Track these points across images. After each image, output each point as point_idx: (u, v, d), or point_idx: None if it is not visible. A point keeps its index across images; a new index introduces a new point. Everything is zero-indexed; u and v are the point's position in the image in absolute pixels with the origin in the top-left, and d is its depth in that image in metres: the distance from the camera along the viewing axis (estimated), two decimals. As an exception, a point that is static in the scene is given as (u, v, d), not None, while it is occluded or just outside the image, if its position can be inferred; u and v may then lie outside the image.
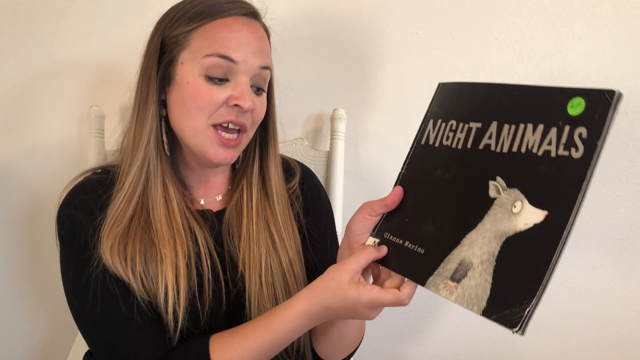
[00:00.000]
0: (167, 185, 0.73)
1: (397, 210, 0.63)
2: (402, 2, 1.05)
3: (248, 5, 0.74)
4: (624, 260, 1.10)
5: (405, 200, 0.63)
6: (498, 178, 0.54)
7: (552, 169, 0.49)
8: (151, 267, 0.68)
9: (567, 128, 0.49)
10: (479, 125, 0.58)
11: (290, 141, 1.06)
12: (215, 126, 0.71)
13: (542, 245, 0.47)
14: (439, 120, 0.63)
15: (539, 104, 0.53)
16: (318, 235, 0.82)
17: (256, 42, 0.71)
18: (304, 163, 1.04)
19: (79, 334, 1.06)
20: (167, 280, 0.67)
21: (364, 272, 0.64)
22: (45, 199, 1.11)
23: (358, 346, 0.80)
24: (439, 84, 0.65)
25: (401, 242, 0.61)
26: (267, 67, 0.73)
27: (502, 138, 0.55)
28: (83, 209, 0.70)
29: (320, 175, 1.06)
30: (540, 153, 0.51)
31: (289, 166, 0.86)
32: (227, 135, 0.71)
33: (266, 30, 0.77)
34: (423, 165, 0.63)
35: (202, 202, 0.79)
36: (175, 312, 0.67)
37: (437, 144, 0.62)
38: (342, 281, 0.60)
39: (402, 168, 0.65)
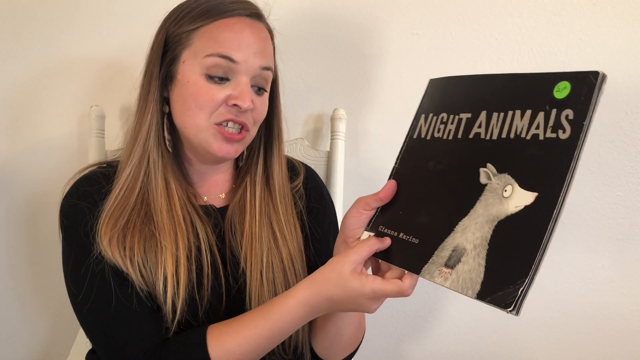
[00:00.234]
0: (168, 181, 0.74)
1: (391, 204, 0.64)
2: (402, 2, 1.05)
3: (252, 6, 0.75)
4: (624, 260, 1.10)
5: (399, 193, 0.64)
6: (488, 164, 0.55)
7: (540, 151, 0.51)
8: (150, 258, 0.68)
9: (554, 111, 0.51)
10: (468, 115, 0.59)
11: (290, 141, 1.06)
12: (217, 124, 0.72)
13: (533, 225, 0.49)
14: (430, 114, 0.64)
15: (527, 90, 0.54)
16: (321, 235, 0.82)
17: (258, 43, 0.72)
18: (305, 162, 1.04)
19: (79, 334, 1.07)
20: (166, 270, 0.68)
21: (364, 265, 0.64)
22: (45, 199, 1.11)
23: (357, 348, 0.80)
24: (430, 80, 0.67)
25: (396, 234, 0.61)
26: (268, 68, 0.74)
27: (491, 126, 0.56)
28: (86, 200, 0.71)
29: (320, 175, 1.06)
30: (528, 137, 0.52)
31: (293, 166, 0.87)
32: (230, 130, 0.72)
33: (270, 31, 0.78)
34: (416, 159, 0.64)
35: (205, 199, 0.80)
36: (174, 303, 0.67)
37: (428, 137, 0.63)
38: (344, 271, 0.60)
39: (395, 163, 0.66)
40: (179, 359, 0.65)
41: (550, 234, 0.47)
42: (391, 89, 1.09)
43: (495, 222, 0.52)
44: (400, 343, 1.22)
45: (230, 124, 0.72)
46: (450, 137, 0.60)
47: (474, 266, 0.51)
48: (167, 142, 0.75)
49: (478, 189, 0.55)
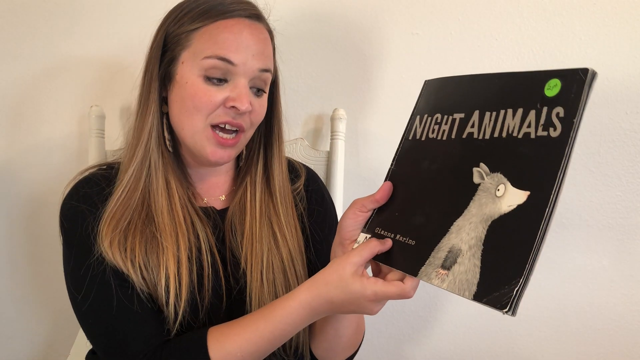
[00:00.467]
0: (169, 181, 0.74)
1: (388, 205, 0.64)
2: (402, 2, 1.05)
3: (251, 7, 0.74)
4: (624, 260, 1.10)
5: (395, 195, 0.64)
6: (481, 164, 0.55)
7: (532, 150, 0.51)
8: (151, 259, 0.68)
9: (545, 109, 0.51)
10: (462, 115, 0.59)
11: (290, 141, 1.06)
12: (213, 126, 0.72)
13: (526, 225, 0.48)
14: (425, 115, 0.64)
15: (518, 89, 0.54)
16: (321, 237, 0.82)
17: (257, 45, 0.72)
18: (304, 163, 1.04)
19: (79, 334, 1.07)
20: (168, 271, 0.68)
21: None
22: (46, 199, 1.11)
23: (356, 351, 0.80)
24: (425, 81, 0.67)
25: (392, 235, 0.61)
26: (266, 70, 0.73)
27: (484, 125, 0.56)
28: (86, 202, 0.71)
29: (320, 175, 1.06)
30: (520, 136, 0.52)
31: (294, 168, 0.87)
32: (224, 135, 0.72)
33: (270, 31, 0.77)
34: (411, 160, 0.64)
35: (205, 200, 0.80)
36: (176, 304, 0.67)
37: (423, 138, 0.64)
38: (345, 274, 0.60)
39: (391, 164, 0.66)
40: None
41: (544, 232, 0.47)
42: (391, 89, 1.09)
43: (489, 222, 0.52)
44: (400, 343, 1.22)
45: (227, 126, 0.72)
46: (445, 138, 0.60)
47: (469, 267, 0.51)
48: (168, 142, 0.75)
49: (472, 189, 0.55)
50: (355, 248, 0.61)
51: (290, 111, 1.11)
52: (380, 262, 0.62)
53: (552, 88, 0.51)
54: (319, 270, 0.80)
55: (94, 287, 0.67)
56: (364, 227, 0.65)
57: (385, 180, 0.65)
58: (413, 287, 0.58)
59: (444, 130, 0.61)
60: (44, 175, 1.11)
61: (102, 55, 1.07)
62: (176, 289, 0.68)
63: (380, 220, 0.64)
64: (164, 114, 0.75)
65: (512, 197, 0.50)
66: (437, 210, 0.58)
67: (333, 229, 0.87)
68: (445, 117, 0.61)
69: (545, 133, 0.50)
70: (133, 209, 0.71)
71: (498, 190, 0.52)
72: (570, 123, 0.48)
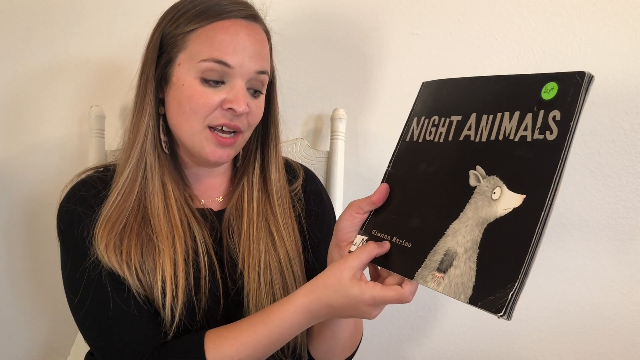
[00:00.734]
0: (165, 183, 0.74)
1: (384, 207, 0.64)
2: (402, 2, 1.05)
3: (248, 7, 0.74)
4: (624, 260, 1.10)
5: (391, 196, 0.64)
6: (477, 167, 0.54)
7: (528, 153, 0.50)
8: (148, 262, 0.68)
9: (541, 112, 0.50)
10: (459, 118, 0.59)
11: (290, 141, 1.06)
12: (211, 127, 0.72)
13: (521, 228, 0.48)
14: (423, 117, 0.64)
15: (515, 92, 0.54)
16: (319, 239, 0.82)
17: (253, 46, 0.71)
18: (304, 163, 1.04)
19: (79, 334, 1.06)
20: (165, 274, 0.68)
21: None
22: (45, 199, 1.11)
23: (355, 352, 0.79)
24: (423, 83, 0.67)
25: (389, 237, 0.61)
26: (263, 72, 0.73)
27: (480, 128, 0.56)
28: (83, 205, 0.71)
29: (320, 175, 1.06)
30: (517, 139, 0.52)
31: (292, 169, 0.86)
32: (223, 135, 0.72)
33: (267, 32, 0.77)
34: (408, 162, 0.64)
35: (202, 201, 0.80)
36: (172, 307, 0.67)
37: (420, 140, 0.63)
38: (343, 278, 0.59)
39: (388, 166, 0.66)
40: None
41: (539, 236, 0.47)
42: (391, 89, 1.08)
43: (485, 225, 0.51)
44: (400, 343, 1.21)
45: (224, 127, 0.72)
46: (442, 140, 0.60)
47: (465, 270, 0.51)
48: (164, 144, 0.75)
49: (468, 192, 0.54)
50: (354, 252, 0.61)
51: (290, 111, 1.11)
52: (377, 265, 0.62)
53: (549, 91, 0.51)
54: (316, 271, 0.80)
55: (90, 290, 0.67)
56: (361, 228, 0.65)
57: (382, 182, 0.65)
58: (411, 291, 0.57)
59: (441, 133, 0.61)
60: (44, 176, 1.11)
61: (102, 55, 1.07)
62: (172, 292, 0.68)
63: (377, 222, 0.64)
64: (161, 116, 0.75)
65: (508, 201, 0.50)
66: (433, 212, 0.58)
67: (331, 230, 0.86)
68: (443, 119, 0.61)
69: (541, 136, 0.50)
70: (129, 212, 0.70)
71: (494, 193, 0.52)
72: (566, 127, 0.48)
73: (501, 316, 0.46)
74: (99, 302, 0.67)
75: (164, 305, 0.67)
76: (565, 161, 0.48)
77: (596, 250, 1.10)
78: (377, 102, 1.09)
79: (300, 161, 1.03)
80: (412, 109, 0.67)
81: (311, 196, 0.85)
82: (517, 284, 0.47)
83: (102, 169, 0.78)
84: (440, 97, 0.63)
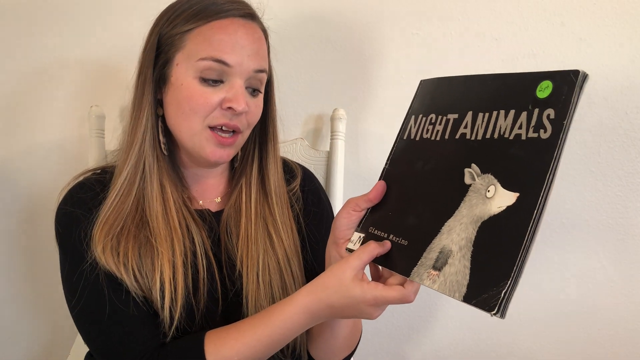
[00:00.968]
0: (164, 185, 0.73)
1: (381, 205, 0.64)
2: (402, 2, 1.05)
3: (245, 6, 0.74)
4: (624, 260, 1.10)
5: (388, 194, 0.64)
6: (473, 165, 0.55)
7: (522, 151, 0.51)
8: (146, 264, 0.68)
9: (536, 111, 0.51)
10: (455, 116, 0.59)
11: (290, 141, 1.06)
12: (211, 127, 0.71)
13: (515, 226, 0.48)
14: (420, 115, 0.64)
15: (511, 90, 0.54)
16: (318, 238, 0.82)
17: (252, 45, 0.71)
18: (304, 163, 1.04)
19: (80, 334, 1.07)
20: (163, 276, 0.67)
21: None
22: (45, 199, 1.11)
23: (354, 351, 0.79)
24: (420, 81, 0.67)
25: (385, 235, 0.61)
26: (262, 70, 0.73)
27: (476, 126, 0.56)
28: (81, 207, 0.71)
29: (320, 175, 1.06)
30: (511, 137, 0.52)
31: (290, 168, 0.86)
32: (223, 135, 0.72)
33: (264, 31, 0.77)
34: (405, 159, 0.64)
35: (200, 202, 0.79)
36: (171, 308, 0.67)
37: (417, 138, 0.64)
38: (345, 278, 0.59)
39: (386, 163, 0.66)
40: None
41: (532, 234, 0.47)
42: (391, 89, 1.08)
43: (479, 223, 0.52)
44: (400, 343, 1.22)
45: (224, 127, 0.71)
46: (438, 138, 0.61)
47: (459, 268, 0.51)
48: (163, 145, 0.75)
49: (463, 190, 0.55)
50: (355, 251, 0.61)
51: (290, 111, 1.11)
52: (376, 264, 0.62)
53: (544, 90, 0.51)
54: (315, 270, 0.80)
55: (88, 291, 0.67)
56: (358, 226, 0.65)
57: (380, 179, 0.65)
58: (414, 291, 0.57)
59: (437, 131, 0.61)
60: (44, 176, 1.11)
61: (103, 55, 1.07)
62: (171, 294, 0.67)
63: (374, 219, 0.64)
64: (159, 117, 0.75)
65: (501, 199, 0.50)
66: (429, 210, 0.58)
67: (329, 229, 0.87)
68: (440, 117, 0.61)
69: (535, 135, 0.50)
70: (126, 214, 0.70)
71: (488, 191, 0.52)
72: (560, 125, 0.48)
73: (494, 314, 0.46)
74: (97, 303, 0.67)
75: (162, 307, 0.67)
76: (558, 160, 0.48)
77: (596, 250, 1.10)
78: (377, 102, 1.09)
79: (300, 161, 1.03)
80: (410, 107, 0.67)
81: (309, 196, 0.85)
82: (510, 282, 0.47)
83: (99, 171, 0.78)
84: (438, 95, 0.64)
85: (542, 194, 0.47)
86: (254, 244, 0.76)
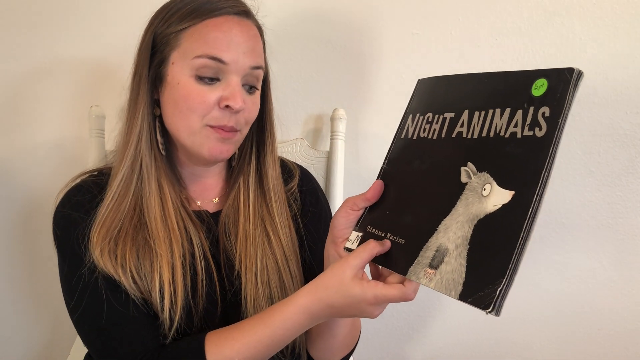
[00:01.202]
0: (162, 185, 0.73)
1: (379, 204, 0.64)
2: (402, 2, 1.05)
3: (240, 4, 0.74)
4: (624, 260, 1.10)
5: (386, 193, 0.64)
6: (469, 163, 0.55)
7: (518, 149, 0.51)
8: (144, 266, 0.68)
9: (531, 109, 0.51)
10: (452, 115, 0.59)
11: (290, 141, 1.06)
12: (210, 127, 0.71)
13: (510, 224, 0.48)
14: (417, 114, 0.65)
15: (506, 88, 0.54)
16: (316, 238, 0.82)
17: (247, 42, 0.71)
18: (304, 163, 1.04)
19: (79, 336, 1.07)
20: (162, 278, 0.67)
21: None
22: (45, 200, 1.11)
23: (353, 350, 0.79)
24: (418, 80, 0.67)
25: (383, 234, 0.61)
26: (258, 67, 0.73)
27: (472, 125, 0.56)
28: (78, 210, 0.70)
29: (320, 175, 1.06)
30: (507, 135, 0.52)
31: (288, 168, 0.86)
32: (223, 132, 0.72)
33: (259, 28, 0.76)
34: (402, 159, 0.64)
35: (198, 203, 0.79)
36: (171, 310, 0.67)
37: (415, 137, 0.64)
38: (345, 277, 0.59)
39: (384, 163, 0.66)
40: None
41: (527, 232, 0.47)
42: (391, 89, 1.09)
43: (475, 221, 0.52)
44: (400, 343, 1.22)
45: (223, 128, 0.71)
46: (435, 137, 0.61)
47: (456, 266, 0.51)
48: (160, 145, 0.74)
49: (459, 188, 0.55)
50: (355, 250, 0.60)
51: (290, 111, 1.11)
52: (373, 262, 0.62)
53: (539, 88, 0.51)
54: (314, 269, 0.80)
55: (86, 294, 0.67)
56: (356, 225, 0.65)
57: (377, 178, 0.65)
58: (414, 289, 0.57)
59: (434, 130, 0.61)
60: (44, 176, 1.11)
61: (103, 55, 1.07)
62: (171, 296, 0.67)
63: (371, 218, 0.64)
64: (156, 117, 0.74)
65: (497, 197, 0.50)
66: (426, 209, 0.58)
67: (328, 229, 0.87)
68: (437, 116, 0.61)
69: (531, 133, 0.50)
70: (124, 215, 0.70)
71: (484, 189, 0.52)
72: (555, 123, 0.48)
73: (490, 312, 0.46)
74: (96, 305, 0.66)
75: (162, 308, 0.67)
76: (553, 157, 0.48)
77: (596, 250, 1.10)
78: (377, 102, 1.09)
79: (300, 161, 1.03)
80: (408, 106, 0.67)
81: (307, 196, 0.85)
82: (505, 280, 0.47)
83: (96, 173, 0.78)
84: (435, 94, 0.64)
85: (537, 192, 0.47)
86: (252, 243, 0.75)
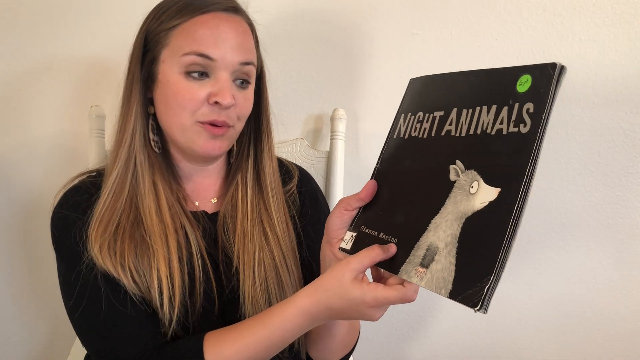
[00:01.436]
0: (156, 183, 0.73)
1: (373, 203, 0.64)
2: (402, 2, 1.05)
3: (228, 0, 0.74)
4: (624, 260, 1.10)
5: (380, 193, 0.64)
6: (457, 161, 0.55)
7: (503, 146, 0.51)
8: (142, 263, 0.68)
9: (516, 105, 0.51)
10: (441, 113, 0.60)
11: (290, 141, 1.06)
12: (201, 123, 0.71)
13: (497, 221, 0.48)
14: (409, 114, 0.65)
15: (493, 85, 0.55)
16: (315, 239, 0.82)
17: (235, 38, 0.71)
18: (304, 163, 1.04)
19: (78, 337, 1.06)
20: (160, 274, 0.67)
21: None
22: (45, 200, 1.11)
23: (352, 350, 0.79)
24: (410, 79, 0.67)
25: (376, 233, 0.61)
26: (248, 63, 0.73)
27: (460, 123, 0.57)
28: (76, 210, 0.71)
29: (320, 175, 1.06)
30: (493, 133, 0.52)
31: (287, 169, 0.86)
32: (213, 126, 0.72)
33: (250, 24, 0.76)
34: (395, 158, 0.65)
35: (196, 203, 0.79)
36: (170, 305, 0.67)
37: (406, 136, 0.64)
38: (344, 280, 0.58)
39: (377, 163, 0.67)
40: None
41: (514, 229, 0.47)
42: (391, 89, 1.08)
43: (464, 219, 0.52)
44: (400, 342, 1.22)
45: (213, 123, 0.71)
46: (425, 136, 0.61)
47: (445, 265, 0.51)
48: (153, 143, 0.75)
49: (448, 186, 0.55)
50: (357, 255, 0.59)
51: (290, 111, 1.11)
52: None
53: (524, 84, 0.51)
54: (312, 269, 0.80)
55: (86, 292, 0.67)
56: (351, 225, 0.65)
57: (371, 178, 0.66)
58: (414, 289, 0.57)
59: (425, 129, 0.61)
60: (44, 176, 1.11)
61: (103, 54, 1.07)
62: (169, 290, 0.67)
63: (365, 218, 0.64)
64: (150, 115, 0.75)
65: (484, 194, 0.50)
66: (417, 208, 0.58)
67: None
68: (427, 115, 0.62)
69: (516, 129, 0.50)
70: (121, 212, 0.70)
71: (472, 187, 0.52)
72: (538, 119, 0.48)
73: (478, 310, 0.46)
74: (95, 305, 0.66)
75: (161, 304, 0.67)
76: (537, 153, 0.48)
77: (596, 250, 1.10)
78: (377, 102, 1.09)
79: (300, 161, 1.04)
80: (400, 105, 0.67)
81: (306, 197, 0.85)
82: (492, 277, 0.47)
83: (95, 174, 0.78)
84: (426, 93, 0.64)
85: (522, 188, 0.47)
86: (250, 240, 0.76)
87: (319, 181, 1.04)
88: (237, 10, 0.74)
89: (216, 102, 0.70)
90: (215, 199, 0.81)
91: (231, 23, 0.72)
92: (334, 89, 1.10)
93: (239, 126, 0.76)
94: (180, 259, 0.70)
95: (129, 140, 0.72)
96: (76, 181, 0.76)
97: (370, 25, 1.07)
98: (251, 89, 0.76)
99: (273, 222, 0.78)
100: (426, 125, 0.61)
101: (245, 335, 0.64)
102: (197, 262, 0.71)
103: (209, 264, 0.73)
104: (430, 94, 0.63)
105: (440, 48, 1.06)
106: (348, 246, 0.63)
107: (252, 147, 0.81)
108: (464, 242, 0.51)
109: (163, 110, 0.72)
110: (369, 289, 0.57)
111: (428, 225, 0.55)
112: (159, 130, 0.76)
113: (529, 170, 0.47)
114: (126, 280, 0.66)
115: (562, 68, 0.48)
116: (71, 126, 1.09)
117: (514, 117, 0.51)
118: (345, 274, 0.59)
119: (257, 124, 0.81)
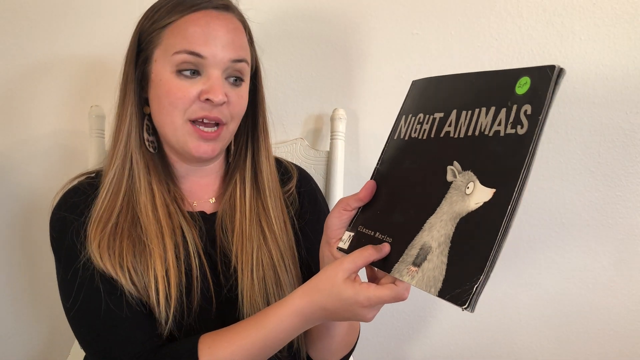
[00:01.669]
0: (151, 182, 0.73)
1: (371, 204, 0.64)
2: (402, 2, 1.05)
3: None
4: (624, 260, 1.10)
5: (379, 193, 0.64)
6: (454, 162, 0.55)
7: (500, 147, 0.51)
8: (140, 262, 0.68)
9: (514, 107, 0.51)
10: (441, 115, 0.60)
11: (290, 141, 1.06)
12: (192, 121, 0.71)
13: (489, 222, 0.49)
14: (410, 115, 0.65)
15: (492, 87, 0.55)
16: (314, 239, 0.82)
17: (226, 35, 0.71)
18: (304, 163, 1.04)
19: (76, 338, 1.06)
20: (156, 273, 0.68)
21: None
22: (45, 200, 1.11)
23: (352, 350, 0.79)
24: (412, 81, 0.67)
25: (373, 233, 0.61)
26: (240, 60, 0.72)
27: (459, 124, 0.57)
28: (74, 211, 0.71)
29: (320, 175, 1.06)
30: (491, 134, 0.53)
31: (286, 169, 0.86)
32: (205, 129, 0.72)
33: (242, 21, 0.76)
34: (394, 159, 0.65)
35: (194, 204, 0.79)
36: (166, 304, 0.67)
37: (406, 138, 0.64)
38: (336, 280, 0.58)
39: (377, 163, 0.67)
40: None
41: (505, 230, 0.47)
42: (391, 89, 1.09)
43: (458, 220, 0.52)
44: (400, 343, 1.22)
45: (205, 120, 0.71)
46: (425, 137, 0.61)
47: (437, 264, 0.52)
48: (147, 143, 0.75)
49: (445, 187, 0.55)
50: (350, 255, 0.60)
51: (290, 111, 1.11)
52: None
53: (523, 86, 0.51)
54: (311, 268, 0.79)
55: (83, 294, 0.67)
56: (349, 225, 0.65)
57: (371, 179, 0.66)
58: (406, 288, 0.57)
59: (424, 130, 0.62)
60: (44, 176, 1.11)
61: (103, 54, 1.07)
62: (165, 289, 0.67)
63: (364, 218, 0.64)
64: (146, 115, 0.75)
65: (479, 195, 0.51)
66: (413, 208, 0.58)
67: None
68: (427, 116, 0.62)
69: (513, 131, 0.50)
70: (118, 212, 0.70)
71: (468, 188, 0.52)
72: (535, 120, 0.48)
73: (465, 308, 0.47)
74: (92, 305, 0.66)
75: (158, 302, 0.67)
76: (533, 155, 0.48)
77: (596, 250, 1.10)
78: (377, 102, 1.09)
79: (300, 161, 1.04)
80: (402, 107, 0.68)
81: (306, 197, 0.85)
82: (482, 276, 0.47)
83: (93, 175, 0.78)
84: (426, 95, 0.64)
85: (515, 189, 0.47)
86: (248, 240, 0.75)
87: (319, 181, 1.04)
88: (228, 8, 0.74)
89: (207, 99, 0.70)
90: (213, 198, 0.81)
91: (222, 20, 0.71)
92: (334, 89, 1.10)
93: (233, 125, 0.75)
94: (177, 258, 0.70)
95: (124, 140, 0.73)
96: (75, 182, 0.76)
97: (370, 25, 1.07)
98: (245, 86, 0.75)
99: (271, 221, 0.78)
100: (426, 127, 0.62)
101: (240, 337, 0.64)
102: (195, 262, 0.71)
103: (206, 264, 0.73)
104: (431, 95, 0.63)
105: (440, 48, 1.06)
106: (345, 246, 0.64)
107: (249, 146, 0.81)
108: (457, 242, 0.51)
109: (156, 109, 0.73)
110: (361, 289, 0.57)
111: (423, 225, 0.55)
112: (154, 131, 0.76)
113: (523, 171, 0.48)
114: (124, 281, 0.66)
115: (561, 70, 0.48)
116: (71, 126, 1.09)
117: (511, 119, 0.51)
118: (338, 274, 0.59)
119: (253, 123, 0.81)
